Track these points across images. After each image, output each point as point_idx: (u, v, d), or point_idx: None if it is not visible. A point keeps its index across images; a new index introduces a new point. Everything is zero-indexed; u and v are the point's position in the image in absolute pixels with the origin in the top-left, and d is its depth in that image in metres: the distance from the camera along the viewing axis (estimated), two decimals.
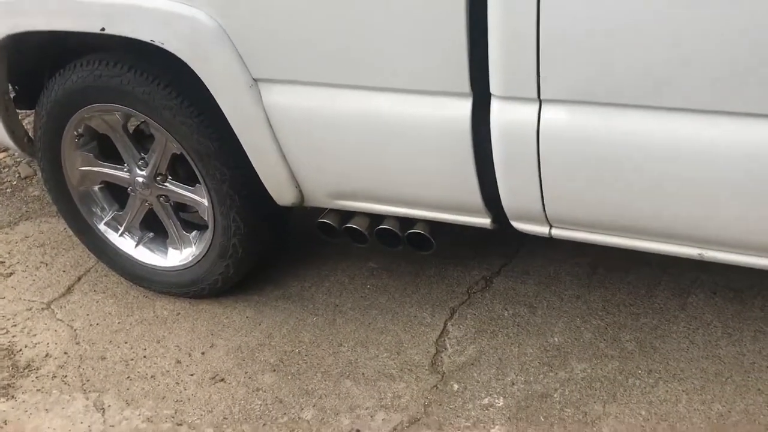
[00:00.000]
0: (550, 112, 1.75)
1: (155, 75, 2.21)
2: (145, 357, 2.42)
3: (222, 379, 2.29)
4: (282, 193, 2.26)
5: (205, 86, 2.08)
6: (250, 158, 2.20)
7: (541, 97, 1.73)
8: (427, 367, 2.23)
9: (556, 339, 2.29)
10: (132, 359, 2.42)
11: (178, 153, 2.37)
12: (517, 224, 2.03)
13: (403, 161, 2.00)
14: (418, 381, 2.19)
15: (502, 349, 2.27)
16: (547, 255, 2.63)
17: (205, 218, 2.46)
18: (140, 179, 2.49)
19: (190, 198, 2.46)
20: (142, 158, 2.47)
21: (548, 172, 1.82)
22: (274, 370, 2.30)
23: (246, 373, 2.31)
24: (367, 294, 2.59)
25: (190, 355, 2.41)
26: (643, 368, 2.14)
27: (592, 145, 1.75)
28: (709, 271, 2.45)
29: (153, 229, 2.69)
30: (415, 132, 1.93)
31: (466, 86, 1.80)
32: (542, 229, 2.00)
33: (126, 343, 2.50)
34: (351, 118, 1.99)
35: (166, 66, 2.18)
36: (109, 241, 2.69)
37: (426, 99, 1.88)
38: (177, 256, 2.60)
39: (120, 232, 2.68)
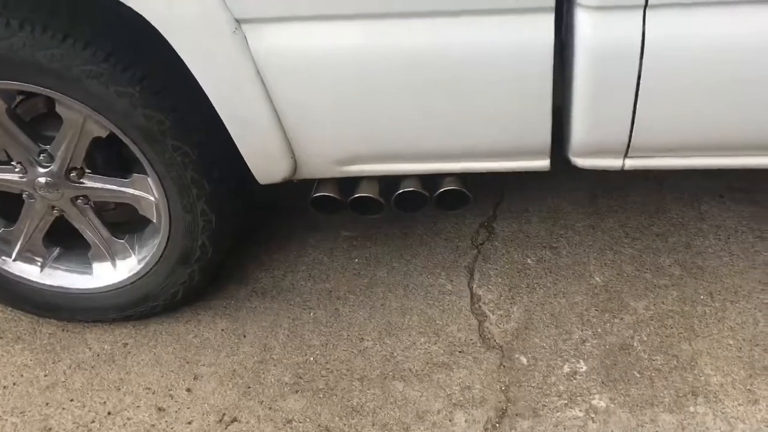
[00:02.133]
0: (656, 20, 1.42)
1: (66, 32, 1.54)
2: (110, 414, 1.81)
3: (234, 419, 1.77)
4: (271, 168, 1.73)
5: (149, 39, 1.48)
6: (229, 128, 1.63)
7: (649, 2, 1.39)
8: (478, 344, 1.89)
9: (598, 279, 2.05)
10: (93, 422, 1.80)
11: (102, 137, 1.72)
12: (583, 161, 1.71)
13: (457, 104, 1.57)
14: (479, 362, 1.84)
15: (549, 303, 1.98)
16: (537, 187, 2.35)
17: (151, 217, 1.85)
18: (43, 179, 1.79)
19: (124, 194, 1.83)
20: (43, 151, 1.77)
21: (648, 93, 1.50)
22: (297, 391, 1.82)
23: (261, 403, 1.80)
24: (359, 270, 2.15)
25: (171, 397, 1.84)
26: (702, 292, 1.97)
27: (700, 52, 1.45)
28: (707, 176, 2.32)
29: (60, 243, 2.00)
30: (476, 65, 1.51)
31: None
32: (614, 163, 1.70)
33: (72, 400, 1.85)
34: (389, 57, 1.51)
35: (85, 17, 1.52)
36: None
37: (491, 20, 1.45)
38: (110, 272, 1.96)
39: (13, 255, 1.97)
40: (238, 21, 1.47)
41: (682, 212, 2.24)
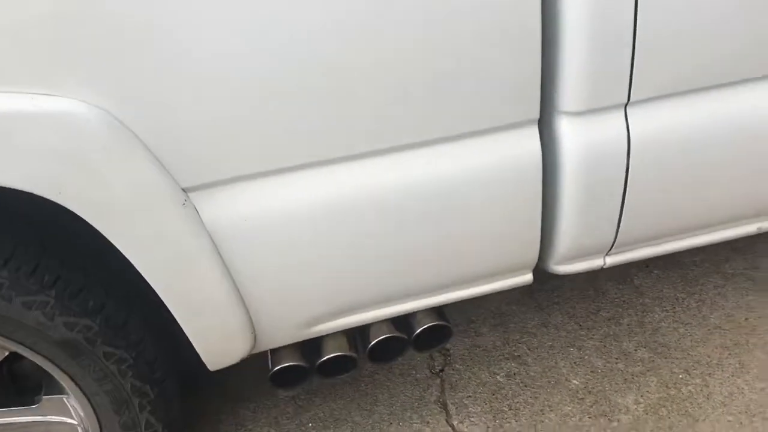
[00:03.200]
0: (638, 115, 1.36)
1: None
2: None
3: None
4: (227, 350, 1.43)
5: (55, 230, 1.17)
6: (177, 315, 1.32)
7: (631, 99, 1.33)
8: None
9: (575, 381, 1.92)
10: None
11: None
12: (564, 267, 1.59)
13: (439, 234, 1.39)
14: None
15: (540, 422, 1.82)
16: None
17: None
18: None
19: (29, 425, 1.42)
20: None
21: (635, 188, 1.43)
22: None
23: None
24: None
25: None
26: (678, 371, 1.92)
27: (684, 139, 1.42)
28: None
29: None
30: (462, 190, 1.35)
31: (534, 108, 1.29)
32: (596, 263, 1.61)
33: None
34: (367, 200, 1.30)
35: None
36: None
37: (474, 143, 1.31)
38: None
39: None
40: (185, 191, 1.19)
41: (620, 290, 2.21)
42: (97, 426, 1.39)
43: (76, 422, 1.41)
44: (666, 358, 1.96)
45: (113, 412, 1.37)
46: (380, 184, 1.31)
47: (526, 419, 1.83)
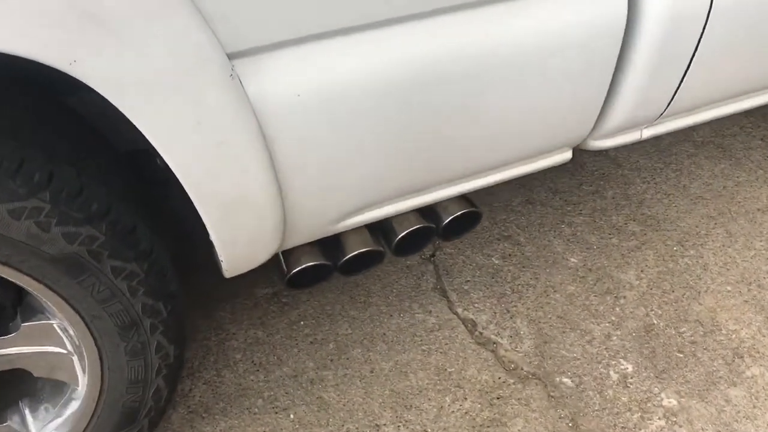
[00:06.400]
0: None
1: None
2: None
3: None
4: (255, 252, 1.19)
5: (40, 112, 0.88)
6: (207, 217, 1.06)
7: None
8: (510, 381, 1.58)
9: (573, 259, 1.85)
10: None
11: None
12: (603, 142, 1.46)
13: (499, 105, 1.20)
14: (526, 403, 1.54)
15: (547, 303, 1.74)
16: None
17: (62, 378, 1.18)
18: None
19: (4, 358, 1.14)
20: None
21: (703, 53, 1.29)
22: None
23: None
24: (313, 335, 1.68)
25: None
26: (672, 243, 1.90)
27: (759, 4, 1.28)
28: None
29: None
30: (545, 52, 1.15)
31: None
32: (633, 136, 1.48)
33: None
34: (432, 65, 1.07)
35: None
36: None
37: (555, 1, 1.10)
38: None
39: None
40: (230, 58, 0.90)
41: (597, 163, 2.14)
42: (96, 355, 1.13)
43: (66, 352, 1.14)
44: (657, 230, 1.92)
45: (118, 337, 1.11)
46: (441, 50, 1.08)
47: (531, 302, 1.74)
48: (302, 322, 1.70)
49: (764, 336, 1.66)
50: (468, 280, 1.79)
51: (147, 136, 0.90)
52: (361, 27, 0.98)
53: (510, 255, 1.86)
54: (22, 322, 1.10)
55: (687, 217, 1.96)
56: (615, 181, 2.08)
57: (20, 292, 1.11)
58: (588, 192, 2.04)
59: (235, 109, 0.93)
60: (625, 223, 1.95)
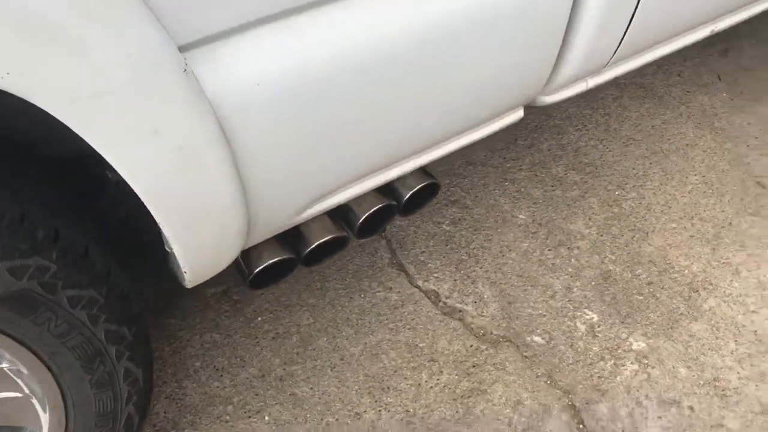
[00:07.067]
0: None
1: None
2: None
3: None
4: (218, 260, 1.10)
5: None
6: (167, 229, 0.96)
7: None
8: (483, 347, 1.56)
9: (522, 216, 1.84)
10: None
11: None
12: (552, 97, 1.44)
13: (458, 75, 1.14)
14: (502, 368, 1.52)
15: (504, 264, 1.73)
16: None
17: (20, 423, 1.07)
18: None
19: None
20: None
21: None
22: None
23: None
24: (274, 329, 1.60)
25: None
26: (612, 188, 1.92)
27: None
28: None
29: None
30: (498, 13, 1.10)
31: None
32: (579, 87, 1.47)
33: None
34: (389, 41, 1.01)
35: None
36: None
37: None
38: None
39: None
40: (182, 51, 0.81)
41: (528, 116, 2.12)
42: (58, 392, 1.02)
43: (23, 395, 1.02)
44: (596, 177, 1.94)
45: (82, 370, 1.01)
46: (396, 21, 1.01)
47: (489, 264, 1.72)
48: (260, 318, 1.62)
49: (714, 267, 1.71)
50: (423, 251, 1.75)
51: (99, 150, 0.79)
52: (316, 3, 0.90)
53: (460, 219, 1.83)
54: None
55: (623, 160, 1.99)
56: (548, 132, 2.08)
57: None
58: (524, 146, 2.03)
59: (192, 108, 0.83)
60: (565, 174, 1.95)
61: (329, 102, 0.98)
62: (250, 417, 1.44)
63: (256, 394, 1.48)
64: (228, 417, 1.44)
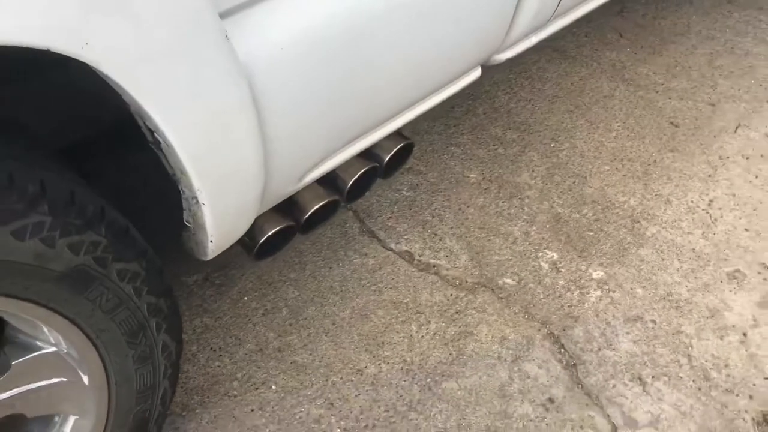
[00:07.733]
0: None
1: None
2: None
3: None
4: (237, 227, 1.17)
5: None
6: (204, 192, 1.02)
7: None
8: (462, 294, 1.68)
9: (473, 175, 1.98)
10: None
11: None
12: (505, 54, 1.58)
13: (426, 37, 1.25)
14: (483, 310, 1.65)
15: (466, 219, 1.86)
16: None
17: (66, 412, 1.10)
18: None
19: None
20: None
21: None
22: None
23: None
24: (263, 306, 1.66)
25: None
26: (546, 142, 2.08)
27: None
28: None
29: None
30: None
31: None
32: (526, 44, 1.62)
33: None
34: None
35: None
36: None
37: None
38: None
39: None
40: (223, 15, 0.87)
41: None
42: (103, 372, 1.05)
43: (67, 379, 1.04)
44: (531, 133, 2.10)
45: (126, 346, 1.04)
46: None
47: (452, 221, 1.84)
48: (246, 298, 1.67)
49: (648, 200, 1.90)
50: (390, 217, 1.85)
51: (149, 112, 0.84)
52: None
53: (417, 185, 1.94)
54: (12, 361, 0.99)
55: (551, 116, 2.16)
56: (481, 98, 2.22)
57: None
58: (461, 113, 2.17)
59: (231, 73, 0.90)
60: (504, 133, 2.10)
61: (340, 64, 1.06)
62: (257, 389, 1.49)
63: (258, 367, 1.53)
64: (235, 392, 1.49)
